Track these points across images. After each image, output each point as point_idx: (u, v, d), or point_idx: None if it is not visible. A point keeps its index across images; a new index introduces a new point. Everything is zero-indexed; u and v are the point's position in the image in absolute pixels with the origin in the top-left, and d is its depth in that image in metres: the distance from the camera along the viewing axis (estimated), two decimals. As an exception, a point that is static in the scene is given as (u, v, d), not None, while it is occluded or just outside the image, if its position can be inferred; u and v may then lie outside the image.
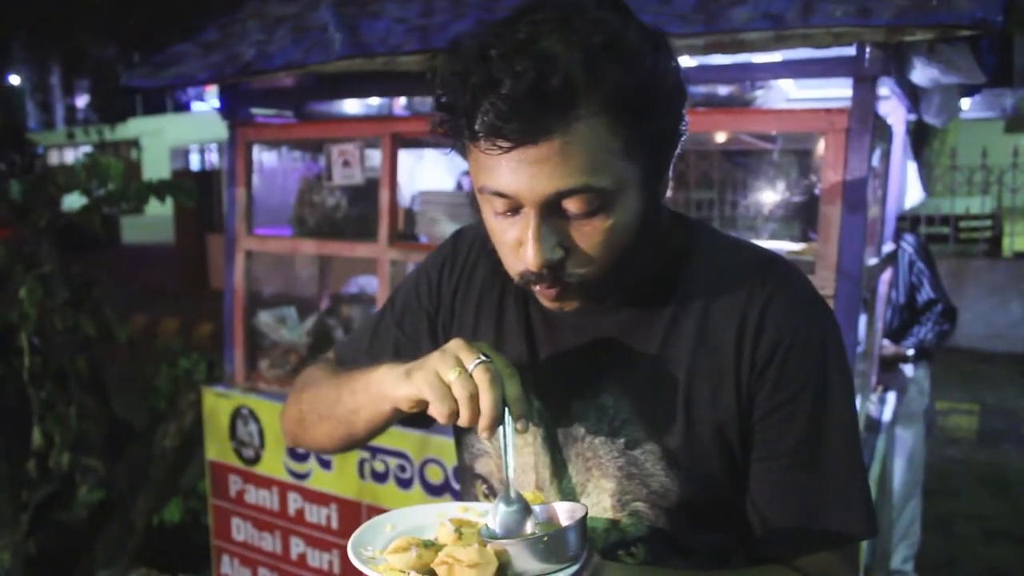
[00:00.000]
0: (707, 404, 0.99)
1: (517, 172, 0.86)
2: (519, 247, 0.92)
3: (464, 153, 0.94)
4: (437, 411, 0.90)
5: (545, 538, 0.84)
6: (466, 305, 1.16)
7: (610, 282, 0.96)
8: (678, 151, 0.97)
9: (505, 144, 0.85)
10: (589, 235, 0.90)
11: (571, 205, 0.88)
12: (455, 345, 0.93)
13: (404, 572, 0.85)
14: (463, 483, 1.21)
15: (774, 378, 0.97)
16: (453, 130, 0.90)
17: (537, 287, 0.95)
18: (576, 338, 1.06)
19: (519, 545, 0.84)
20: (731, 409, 0.99)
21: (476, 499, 1.15)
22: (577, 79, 0.82)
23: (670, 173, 0.98)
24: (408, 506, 1.02)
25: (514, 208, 0.91)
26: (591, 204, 0.88)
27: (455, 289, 1.17)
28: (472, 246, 1.18)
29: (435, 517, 0.98)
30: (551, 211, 0.89)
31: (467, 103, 0.85)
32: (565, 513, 0.91)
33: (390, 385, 0.98)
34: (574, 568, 0.83)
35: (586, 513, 0.87)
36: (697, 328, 1.00)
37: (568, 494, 1.06)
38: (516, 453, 1.08)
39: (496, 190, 0.90)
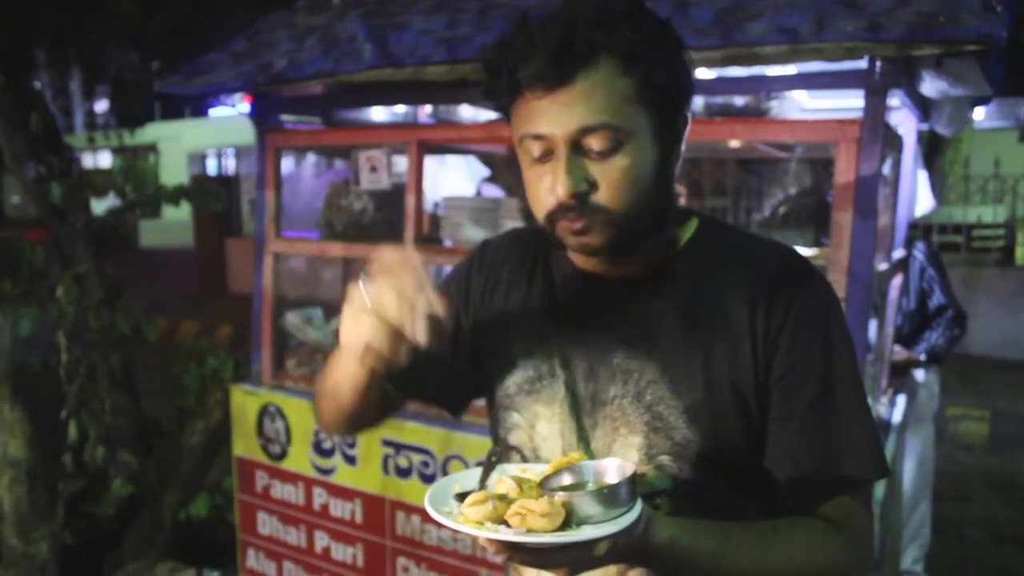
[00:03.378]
0: (725, 366, 1.11)
1: (550, 114, 1.05)
2: (551, 187, 1.07)
3: (508, 116, 1.13)
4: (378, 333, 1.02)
5: (605, 490, 0.95)
6: (495, 298, 1.30)
7: (628, 227, 1.08)
8: (687, 128, 1.14)
9: (541, 90, 1.04)
10: (609, 172, 1.06)
11: (594, 142, 1.05)
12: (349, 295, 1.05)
13: (480, 523, 0.94)
14: (500, 458, 1.30)
15: (787, 342, 1.10)
16: (499, 92, 1.10)
17: (565, 222, 1.08)
18: (602, 313, 1.19)
19: (583, 496, 0.95)
20: (748, 372, 1.10)
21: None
22: (597, 37, 1.03)
23: (681, 148, 1.14)
24: (470, 469, 1.11)
25: (548, 152, 1.07)
26: (610, 142, 1.05)
27: (483, 288, 1.31)
28: (498, 251, 1.33)
29: (496, 476, 1.06)
30: (577, 149, 1.06)
31: (512, 62, 1.06)
32: (614, 468, 1.01)
33: (343, 341, 1.08)
34: (630, 514, 0.94)
35: (636, 470, 0.98)
36: (714, 299, 1.13)
37: (595, 455, 1.16)
38: (546, 423, 1.21)
39: (534, 133, 1.07)
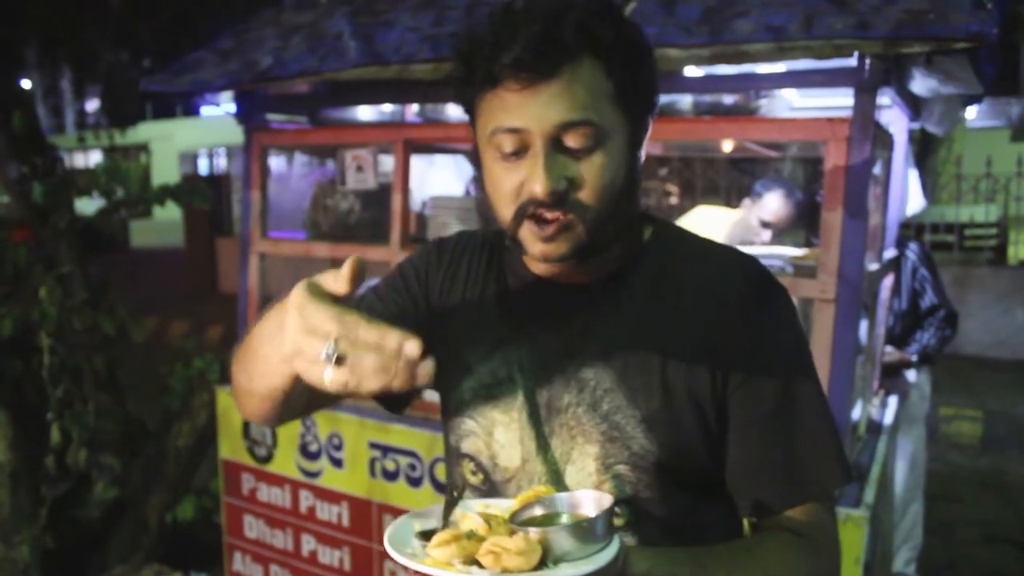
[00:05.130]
0: (683, 375, 1.08)
1: (530, 107, 1.01)
2: (520, 189, 1.03)
3: (473, 111, 1.08)
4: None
5: (584, 524, 0.89)
6: (451, 300, 1.25)
7: (598, 233, 1.05)
8: (648, 134, 1.11)
9: (522, 81, 1.00)
10: (588, 170, 1.03)
11: (573, 139, 1.01)
12: (304, 311, 0.83)
13: (450, 564, 0.88)
14: (448, 464, 1.26)
15: (747, 352, 1.07)
16: (469, 83, 1.05)
17: (532, 226, 1.04)
18: (556, 318, 1.15)
19: (559, 531, 0.89)
20: (706, 381, 1.08)
21: (463, 479, 1.20)
22: (582, 31, 1.00)
23: (642, 153, 1.11)
24: (426, 506, 1.04)
25: (521, 148, 1.03)
26: (591, 139, 1.02)
27: (440, 288, 1.26)
28: (454, 252, 1.28)
29: (458, 514, 0.99)
30: (556, 146, 1.02)
31: (489, 50, 1.01)
32: (590, 499, 0.95)
33: (289, 347, 0.86)
34: (609, 550, 0.89)
35: (613, 503, 0.92)
36: (672, 306, 1.11)
37: (553, 463, 1.13)
38: (503, 430, 1.15)
39: (510, 126, 1.02)
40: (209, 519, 3.62)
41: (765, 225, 3.27)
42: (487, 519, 0.94)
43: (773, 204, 3.26)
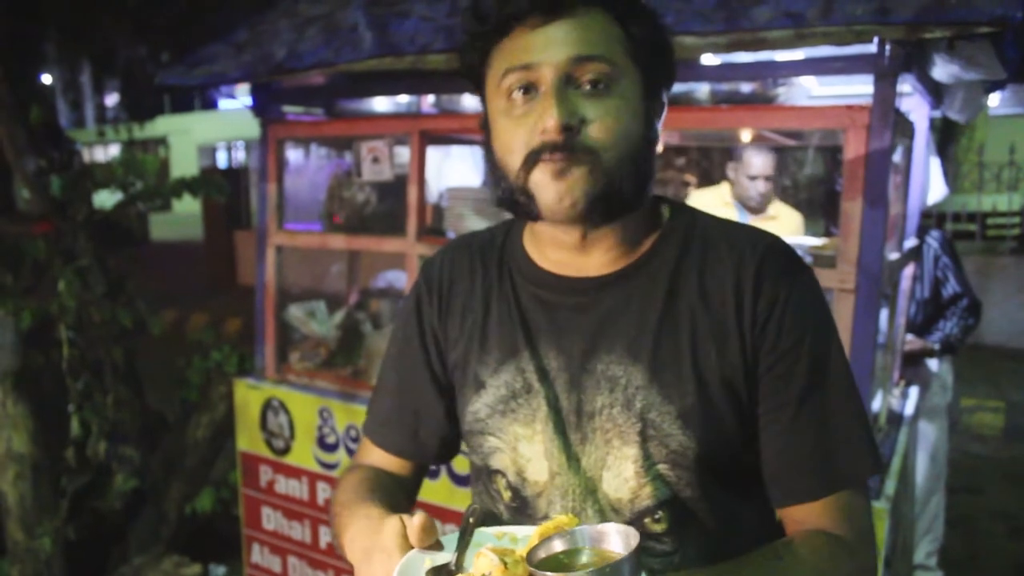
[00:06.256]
0: (714, 361, 1.05)
1: (544, 43, 1.01)
2: (533, 128, 1.01)
3: (484, 70, 1.08)
4: None
5: (607, 569, 0.80)
6: (450, 321, 1.21)
7: (614, 176, 1.02)
8: (664, 113, 1.10)
9: (538, 18, 1.01)
10: (602, 108, 1.01)
11: (587, 74, 1.00)
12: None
13: None
14: (477, 483, 1.23)
15: (775, 332, 1.04)
16: (482, 36, 1.06)
17: (546, 166, 1.01)
18: (576, 317, 1.10)
19: None
20: (737, 364, 1.05)
21: (498, 494, 1.17)
22: None
23: (659, 130, 1.09)
24: (443, 536, 0.97)
25: (531, 87, 1.02)
26: (604, 76, 1.01)
27: (437, 313, 1.22)
28: (442, 269, 1.24)
29: (473, 550, 0.93)
30: (568, 83, 1.01)
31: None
32: (615, 533, 0.87)
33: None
34: None
35: (640, 542, 0.83)
36: (696, 291, 1.07)
37: (588, 472, 1.09)
38: (527, 444, 1.10)
39: (524, 63, 1.01)
40: (228, 511, 3.64)
41: (752, 179, 3.47)
42: (503, 556, 0.85)
43: (752, 158, 3.45)
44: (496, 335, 1.16)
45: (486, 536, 0.95)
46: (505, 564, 0.84)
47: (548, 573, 0.82)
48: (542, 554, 0.86)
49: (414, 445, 1.25)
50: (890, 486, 2.28)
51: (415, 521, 0.92)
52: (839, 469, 1.05)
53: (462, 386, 1.19)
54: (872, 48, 1.99)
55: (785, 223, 3.45)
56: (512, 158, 1.03)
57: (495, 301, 1.17)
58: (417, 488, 1.30)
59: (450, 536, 0.96)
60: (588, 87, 1.00)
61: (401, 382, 1.26)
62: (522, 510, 1.14)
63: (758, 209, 3.53)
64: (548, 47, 1.00)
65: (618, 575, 0.80)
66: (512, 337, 1.14)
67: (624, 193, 1.03)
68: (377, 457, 1.27)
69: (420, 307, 1.24)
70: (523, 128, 1.02)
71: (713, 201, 3.64)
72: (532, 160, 1.01)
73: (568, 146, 0.99)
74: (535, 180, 1.02)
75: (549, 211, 1.03)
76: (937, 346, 3.43)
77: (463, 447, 1.27)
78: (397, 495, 1.16)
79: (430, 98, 3.20)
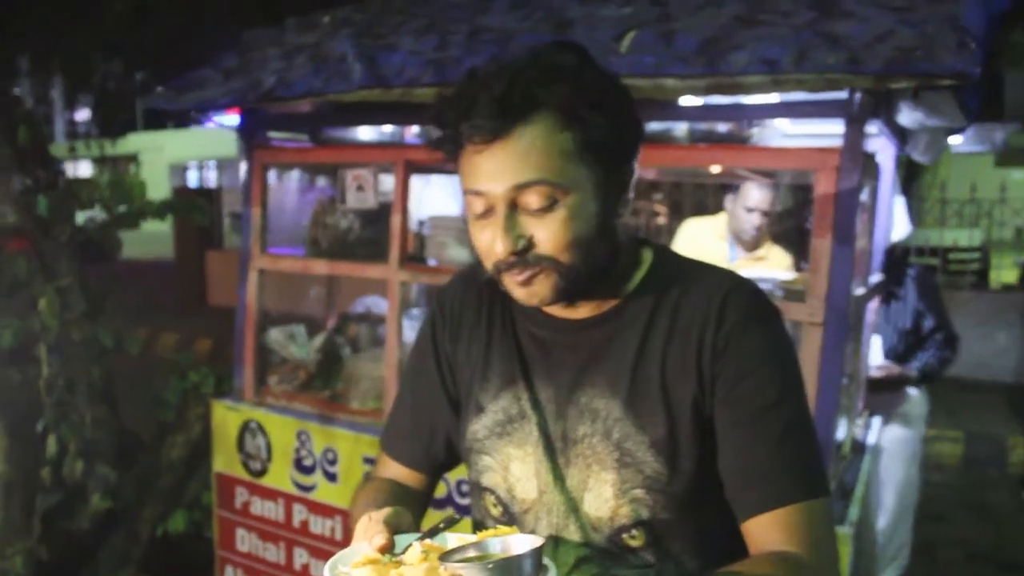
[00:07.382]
0: (681, 391, 1.13)
1: (487, 169, 1.07)
2: (493, 243, 1.09)
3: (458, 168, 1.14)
4: None
5: (500, 562, 0.92)
6: (459, 346, 1.32)
7: (573, 277, 1.11)
8: (634, 178, 1.16)
9: (480, 142, 1.06)
10: (547, 226, 1.08)
11: (530, 199, 1.07)
12: None
13: None
14: (472, 498, 1.34)
15: (733, 358, 1.12)
16: (450, 144, 1.11)
17: (509, 277, 1.11)
18: (565, 354, 1.21)
19: (473, 568, 0.92)
20: (701, 395, 1.13)
21: (487, 511, 1.27)
22: (537, 92, 1.05)
23: (630, 194, 1.16)
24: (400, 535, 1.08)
25: (489, 208, 1.09)
26: (546, 198, 1.06)
27: (450, 338, 1.34)
28: (454, 298, 1.35)
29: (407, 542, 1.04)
30: (515, 206, 1.08)
31: (456, 115, 1.07)
32: (524, 543, 0.97)
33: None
34: None
35: (542, 544, 0.95)
36: (669, 329, 1.16)
37: (571, 492, 1.18)
38: (519, 464, 1.22)
39: (473, 188, 1.09)
40: (200, 532, 3.63)
41: (749, 211, 3.39)
42: (427, 551, 0.99)
43: (750, 190, 3.39)
44: (497, 365, 1.26)
45: (451, 539, 1.07)
46: (426, 555, 0.97)
47: (451, 564, 0.93)
48: (456, 556, 0.97)
49: (428, 458, 1.37)
50: (854, 512, 2.36)
51: (376, 516, 1.05)
52: (789, 482, 1.09)
53: (465, 408, 1.30)
54: (843, 95, 2.09)
55: (774, 264, 3.41)
56: (484, 260, 1.14)
57: (497, 334, 1.28)
58: (428, 500, 1.41)
59: (408, 536, 1.07)
60: (534, 207, 1.07)
61: (417, 401, 1.38)
62: (510, 525, 1.22)
63: (751, 245, 3.45)
64: (492, 176, 1.06)
65: (509, 570, 0.91)
66: (510, 368, 1.25)
67: (592, 278, 1.14)
68: (392, 470, 1.38)
69: (435, 331, 1.35)
70: (487, 238, 1.11)
71: (707, 233, 3.63)
72: (497, 270, 1.12)
73: (523, 261, 1.09)
74: (505, 283, 1.14)
75: (524, 304, 1.16)
76: (915, 373, 3.54)
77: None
78: (406, 502, 1.23)
79: (414, 128, 3.26)
